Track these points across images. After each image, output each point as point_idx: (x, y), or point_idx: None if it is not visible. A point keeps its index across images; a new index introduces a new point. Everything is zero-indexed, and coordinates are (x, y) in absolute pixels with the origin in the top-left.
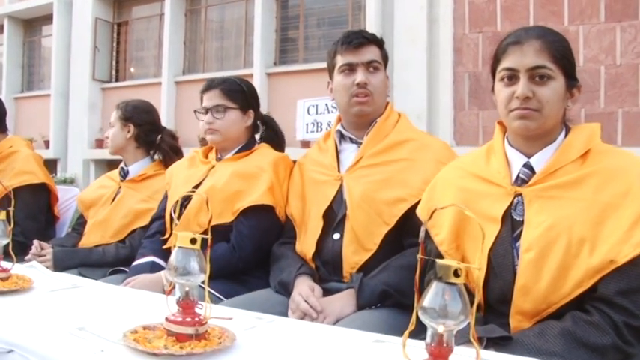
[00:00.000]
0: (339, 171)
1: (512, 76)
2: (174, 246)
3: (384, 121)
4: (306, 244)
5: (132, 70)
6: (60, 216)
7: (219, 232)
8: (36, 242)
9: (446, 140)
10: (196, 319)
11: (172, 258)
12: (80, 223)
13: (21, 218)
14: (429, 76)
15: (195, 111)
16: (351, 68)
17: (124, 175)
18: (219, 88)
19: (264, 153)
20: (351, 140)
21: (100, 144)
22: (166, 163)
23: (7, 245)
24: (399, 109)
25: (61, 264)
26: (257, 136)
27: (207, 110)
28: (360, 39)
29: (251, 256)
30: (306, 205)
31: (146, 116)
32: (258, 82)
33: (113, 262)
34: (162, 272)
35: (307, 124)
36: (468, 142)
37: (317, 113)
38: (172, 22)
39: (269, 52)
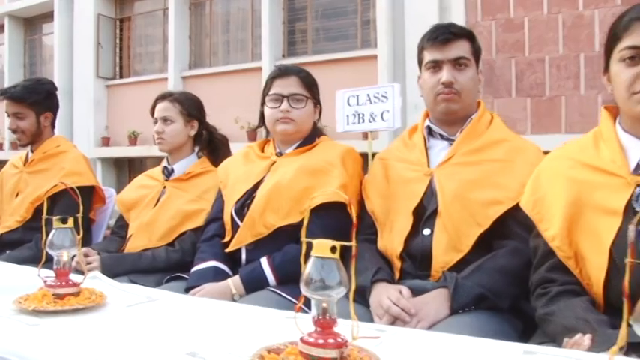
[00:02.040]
0: (428, 166)
1: (636, 56)
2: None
3: (478, 120)
4: (392, 242)
5: (136, 66)
6: (95, 218)
7: (285, 233)
8: (84, 250)
9: None
10: (339, 339)
11: (309, 270)
12: (120, 226)
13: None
14: None
15: (264, 96)
16: (437, 65)
17: (168, 173)
18: (298, 76)
19: (328, 146)
20: (442, 137)
21: (106, 142)
22: (217, 160)
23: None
24: (410, 100)
25: (109, 271)
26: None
27: (282, 97)
28: (446, 34)
29: None
30: (392, 202)
31: (202, 111)
32: (266, 75)
33: (164, 267)
34: (229, 281)
35: (348, 116)
36: None
37: (358, 104)
38: (177, 17)
39: (277, 44)
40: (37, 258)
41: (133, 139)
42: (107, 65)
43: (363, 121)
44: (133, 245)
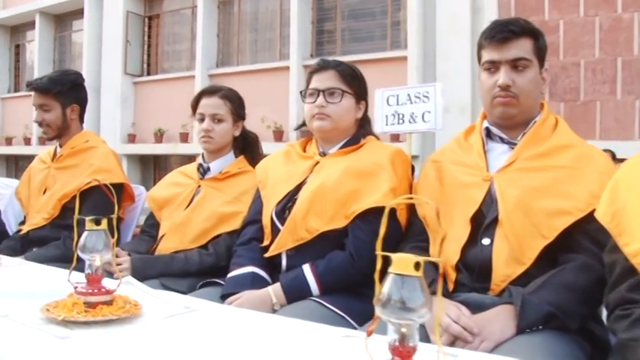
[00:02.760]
0: (487, 171)
1: None
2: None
3: (542, 123)
4: (447, 251)
5: (164, 63)
6: (124, 217)
7: (329, 239)
8: (114, 250)
9: None
10: None
11: (387, 289)
12: (151, 225)
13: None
14: (473, 67)
15: (301, 92)
16: (494, 66)
17: (204, 172)
18: (336, 69)
19: (376, 147)
20: (502, 140)
21: (132, 138)
22: (254, 159)
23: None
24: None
25: (140, 274)
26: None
27: (318, 92)
28: (504, 32)
29: (369, 265)
30: (447, 207)
31: (245, 110)
32: (295, 75)
33: (197, 271)
34: (269, 289)
35: (387, 116)
36: None
37: (397, 104)
38: (205, 15)
39: (305, 44)
40: (64, 257)
41: (159, 136)
42: (135, 62)
43: (403, 121)
44: (164, 246)
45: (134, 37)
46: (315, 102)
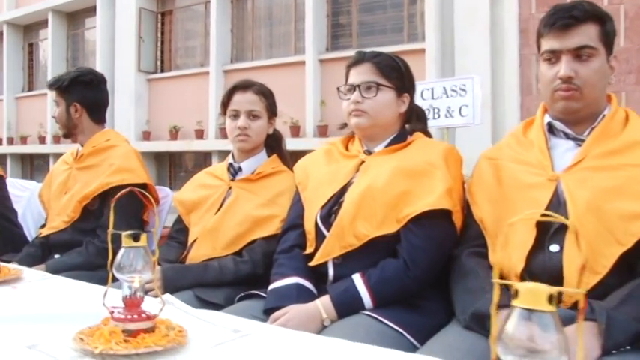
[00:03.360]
0: (552, 170)
1: None
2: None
3: (612, 117)
4: (510, 257)
5: (178, 60)
6: (148, 220)
7: (379, 245)
8: None
9: (512, 127)
10: None
11: (512, 327)
12: (179, 231)
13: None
14: (493, 60)
15: (338, 88)
16: (555, 56)
17: (234, 172)
18: (372, 62)
19: (426, 144)
20: (566, 136)
21: (147, 136)
22: (284, 158)
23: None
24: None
25: (172, 284)
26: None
27: (354, 87)
28: (565, 19)
29: (426, 274)
30: (507, 209)
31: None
32: (310, 70)
33: (232, 280)
34: (318, 302)
35: None
36: None
37: (432, 98)
38: (219, 10)
39: (321, 38)
40: (87, 265)
41: (174, 134)
42: (148, 59)
43: (439, 116)
44: (195, 254)
45: (147, 34)
46: (351, 98)
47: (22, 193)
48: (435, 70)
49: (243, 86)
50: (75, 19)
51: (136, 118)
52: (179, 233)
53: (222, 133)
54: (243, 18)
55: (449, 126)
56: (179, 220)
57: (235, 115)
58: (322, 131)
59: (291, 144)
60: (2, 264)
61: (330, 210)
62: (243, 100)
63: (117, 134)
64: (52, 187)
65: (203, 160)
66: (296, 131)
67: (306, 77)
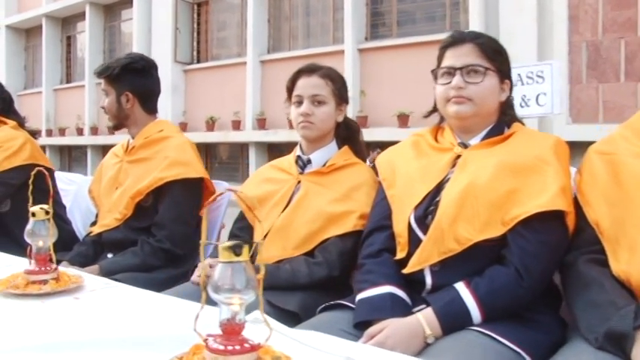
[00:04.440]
0: None
1: None
2: None
3: None
4: (637, 267)
5: (214, 50)
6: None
7: (482, 250)
8: (208, 261)
9: (561, 118)
10: None
11: None
12: (242, 229)
13: (169, 220)
14: (540, 48)
15: (433, 71)
16: None
17: (303, 165)
18: (475, 42)
19: (531, 136)
20: None
21: (183, 127)
22: (358, 150)
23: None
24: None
25: None
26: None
27: (454, 71)
28: None
29: (540, 284)
30: (630, 212)
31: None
32: (350, 59)
33: (306, 284)
34: (419, 316)
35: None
36: (585, 119)
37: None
38: (256, 0)
39: (360, 27)
40: (144, 266)
41: (211, 124)
42: (185, 50)
43: (527, 105)
44: (265, 255)
45: (183, 25)
46: (450, 83)
47: (69, 186)
48: None
49: (308, 70)
50: (111, 11)
51: (172, 109)
52: (242, 231)
53: (260, 124)
54: (280, 7)
55: (525, 116)
56: (241, 217)
57: (299, 101)
58: (362, 122)
59: None
60: (61, 269)
61: (426, 210)
62: (308, 85)
63: (170, 125)
64: (103, 182)
65: (239, 151)
66: None
67: (345, 67)
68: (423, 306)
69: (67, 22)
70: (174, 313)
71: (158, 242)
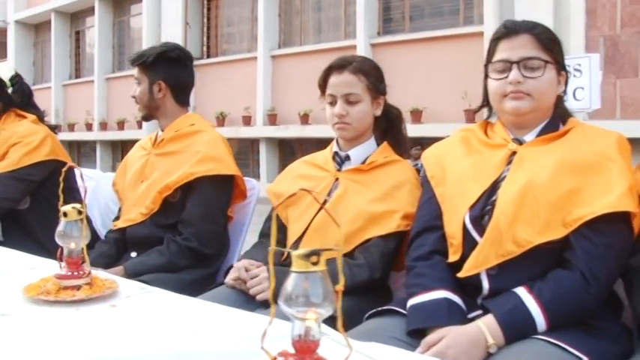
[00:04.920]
0: None
1: None
2: None
3: None
4: None
5: (224, 45)
6: (234, 215)
7: (541, 253)
8: (243, 262)
9: (577, 114)
10: None
11: None
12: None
13: (197, 217)
14: None
15: (486, 65)
16: None
17: (341, 161)
18: (531, 33)
19: (590, 132)
20: None
21: None
22: (400, 145)
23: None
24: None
25: None
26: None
27: (511, 65)
28: None
29: (606, 289)
30: None
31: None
32: (362, 54)
33: (348, 287)
34: (480, 324)
35: None
36: (603, 114)
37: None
38: None
39: (372, 21)
40: (170, 266)
41: (221, 120)
42: (195, 45)
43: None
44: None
45: (194, 20)
46: (507, 77)
47: (86, 183)
48: None
49: (339, 66)
50: (120, 5)
51: None
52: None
53: (270, 120)
54: (291, 2)
55: None
56: (270, 217)
57: (333, 101)
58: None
59: None
60: (94, 273)
61: (482, 211)
62: (339, 83)
63: (202, 119)
64: (127, 175)
65: (250, 146)
66: None
67: None
68: (479, 312)
69: (76, 17)
70: (220, 323)
71: (185, 240)
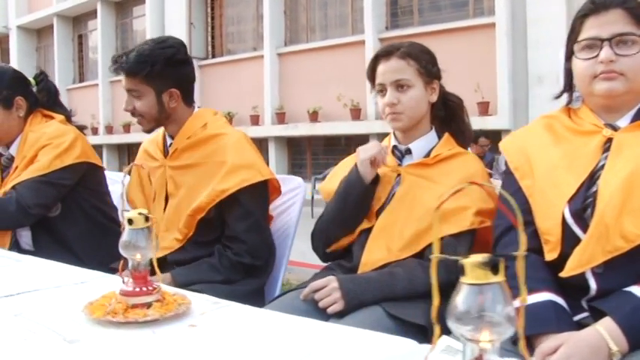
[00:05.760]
0: None
1: None
2: None
3: None
4: None
5: (229, 45)
6: (273, 214)
7: None
8: (318, 283)
9: None
10: None
11: None
12: None
13: (243, 232)
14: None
15: (571, 44)
16: None
17: (401, 155)
18: (623, 7)
19: None
20: None
21: None
22: (461, 136)
23: None
24: (532, 72)
25: (355, 299)
26: None
27: (601, 42)
28: None
29: None
30: None
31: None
32: (371, 50)
33: (425, 291)
34: (600, 329)
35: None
36: None
37: None
38: None
39: (380, 16)
40: (225, 282)
41: (229, 120)
42: (199, 45)
43: None
44: (368, 259)
45: (198, 20)
46: (596, 56)
47: (111, 186)
48: (506, 45)
49: (386, 53)
50: (123, 8)
51: None
52: None
53: (279, 118)
54: None
55: None
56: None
57: (382, 90)
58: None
59: (351, 127)
60: (164, 289)
61: (583, 204)
62: (387, 70)
63: (211, 115)
64: (146, 190)
65: (258, 146)
66: (357, 114)
67: (366, 57)
68: (584, 314)
69: (78, 20)
70: (310, 337)
71: (237, 256)
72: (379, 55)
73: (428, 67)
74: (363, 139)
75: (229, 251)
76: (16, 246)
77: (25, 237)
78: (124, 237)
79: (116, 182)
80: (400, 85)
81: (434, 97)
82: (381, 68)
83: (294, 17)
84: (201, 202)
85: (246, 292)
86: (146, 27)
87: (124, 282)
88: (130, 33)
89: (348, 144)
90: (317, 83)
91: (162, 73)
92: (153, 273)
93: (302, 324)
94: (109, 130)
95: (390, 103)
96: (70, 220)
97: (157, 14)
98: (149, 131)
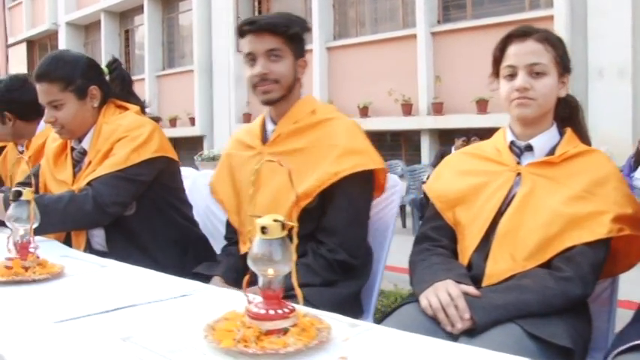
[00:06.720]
0: None
1: None
2: None
3: None
4: None
5: None
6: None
7: None
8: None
9: None
10: None
11: None
12: (435, 229)
13: (342, 224)
14: (635, 24)
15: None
16: None
17: (520, 152)
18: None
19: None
20: None
21: (247, 118)
22: (580, 132)
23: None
24: (593, 64)
25: (488, 318)
26: None
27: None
28: None
29: None
30: None
31: None
32: (422, 44)
33: (560, 306)
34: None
35: None
36: None
37: None
38: None
39: (432, 9)
40: (324, 284)
41: None
42: None
43: None
44: (492, 270)
45: (245, 14)
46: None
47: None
48: (565, 37)
49: (522, 33)
50: (169, 2)
51: (236, 100)
52: (438, 233)
53: None
54: None
55: None
56: (435, 216)
57: (512, 74)
58: (437, 109)
59: (402, 123)
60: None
61: None
62: (522, 52)
63: (320, 102)
64: (237, 183)
65: None
66: (408, 109)
67: (418, 52)
68: None
69: (125, 16)
70: None
71: (331, 253)
72: (512, 35)
73: (564, 57)
74: (414, 135)
75: (323, 248)
76: (88, 246)
77: (98, 237)
78: (254, 249)
79: (186, 178)
80: (535, 71)
81: (562, 92)
82: (514, 49)
83: (343, 11)
84: (309, 186)
85: (346, 296)
86: (193, 21)
87: (249, 301)
88: (177, 28)
89: (394, 139)
90: (367, 78)
91: (298, 38)
92: (238, 282)
93: (450, 349)
94: (172, 123)
95: (522, 88)
96: (144, 218)
97: (203, 8)
98: (274, 102)
